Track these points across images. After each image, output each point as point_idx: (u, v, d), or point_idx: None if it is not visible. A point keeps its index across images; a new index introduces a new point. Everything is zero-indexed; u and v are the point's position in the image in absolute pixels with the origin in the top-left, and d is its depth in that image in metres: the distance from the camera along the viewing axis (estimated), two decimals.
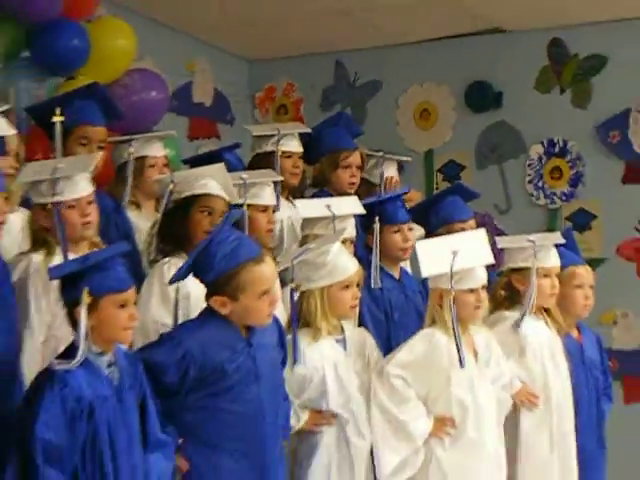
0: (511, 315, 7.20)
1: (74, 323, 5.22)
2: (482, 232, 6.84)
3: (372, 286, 7.14)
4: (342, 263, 6.43)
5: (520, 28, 11.45)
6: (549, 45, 11.49)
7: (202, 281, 5.79)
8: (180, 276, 5.84)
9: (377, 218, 7.25)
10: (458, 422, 6.49)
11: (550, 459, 7.15)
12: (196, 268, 5.78)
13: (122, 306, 5.27)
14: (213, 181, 6.67)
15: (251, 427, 5.78)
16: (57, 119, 6.89)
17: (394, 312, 7.26)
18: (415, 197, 7.71)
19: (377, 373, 6.49)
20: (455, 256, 6.37)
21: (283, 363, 6.16)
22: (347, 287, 6.42)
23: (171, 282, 5.97)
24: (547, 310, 7.29)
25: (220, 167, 6.92)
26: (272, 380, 5.90)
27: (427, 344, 6.50)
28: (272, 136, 7.93)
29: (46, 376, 5.16)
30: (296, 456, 6.42)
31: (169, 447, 5.59)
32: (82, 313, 5.10)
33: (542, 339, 7.21)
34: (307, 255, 6.38)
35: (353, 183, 8.08)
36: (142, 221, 7.35)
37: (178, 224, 6.54)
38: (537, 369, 7.15)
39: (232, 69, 12.61)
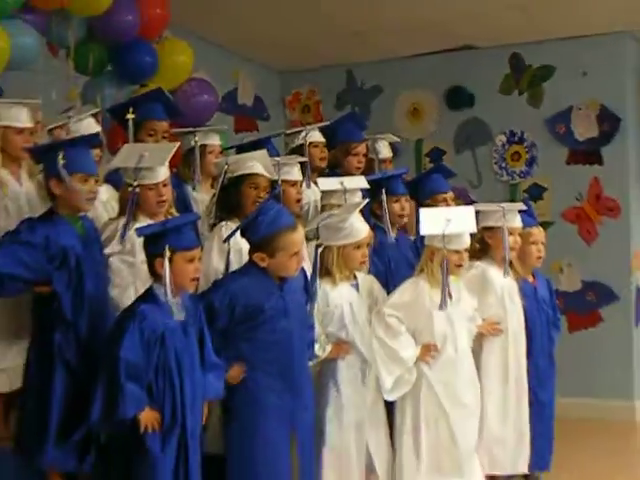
0: (481, 264, 7.36)
1: (153, 272, 5.52)
2: (471, 208, 6.98)
3: (388, 242, 7.31)
4: (357, 228, 6.55)
5: (487, 45, 11.58)
6: (510, 58, 11.65)
7: (248, 240, 6.02)
8: (233, 235, 6.10)
9: (384, 190, 7.38)
10: (440, 347, 6.60)
11: (507, 377, 7.27)
12: (245, 230, 6.01)
13: (190, 261, 5.52)
14: (258, 163, 6.80)
15: (283, 352, 5.96)
16: (130, 116, 7.14)
17: (391, 263, 7.36)
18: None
19: (375, 313, 6.61)
20: (448, 223, 6.56)
21: (306, 303, 6.26)
22: (359, 247, 6.55)
23: (225, 240, 6.19)
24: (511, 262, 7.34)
25: (263, 153, 7.04)
26: (299, 316, 6.09)
27: (414, 290, 6.65)
28: (301, 132, 8.09)
29: (129, 312, 5.44)
30: (321, 376, 6.52)
31: (220, 370, 5.74)
32: (165, 264, 5.38)
33: (502, 283, 7.33)
34: (331, 220, 6.54)
35: (359, 167, 8.17)
36: (199, 195, 7.51)
37: (232, 197, 6.71)
38: (498, 306, 7.31)
39: (267, 78, 12.67)
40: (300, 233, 6.06)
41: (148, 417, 5.35)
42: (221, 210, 6.75)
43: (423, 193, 7.91)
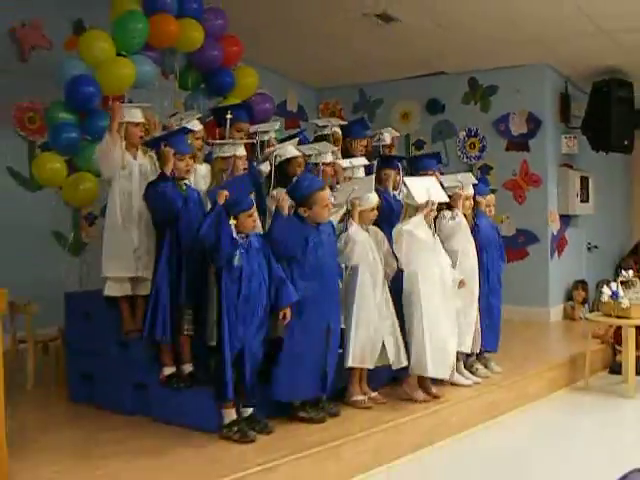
0: (449, 213, 7.12)
1: None
2: (434, 178, 6.95)
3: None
4: (371, 198, 6.56)
5: (454, 72, 11.43)
6: (469, 80, 11.47)
7: (294, 199, 6.03)
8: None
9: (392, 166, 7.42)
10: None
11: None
12: (291, 193, 6.04)
13: (250, 216, 5.54)
14: (294, 147, 6.92)
15: (320, 271, 5.97)
16: (229, 116, 6.99)
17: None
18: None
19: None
20: (429, 190, 6.56)
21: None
22: (372, 210, 6.56)
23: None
24: (466, 214, 7.25)
25: (295, 141, 7.24)
26: (330, 248, 6.12)
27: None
28: (327, 126, 7.98)
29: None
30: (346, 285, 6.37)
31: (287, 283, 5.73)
32: (231, 222, 5.47)
33: (463, 226, 7.16)
34: (358, 193, 6.49)
35: (362, 152, 7.89)
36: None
37: (284, 173, 6.69)
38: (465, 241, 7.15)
39: (307, 93, 12.56)
40: (327, 192, 6.12)
41: None
42: (278, 182, 6.66)
43: (418, 168, 7.62)
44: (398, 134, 8.92)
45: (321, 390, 6.04)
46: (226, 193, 5.55)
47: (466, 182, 7.31)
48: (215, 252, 5.45)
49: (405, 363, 6.48)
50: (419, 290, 6.50)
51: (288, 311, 5.73)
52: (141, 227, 6.32)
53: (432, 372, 6.49)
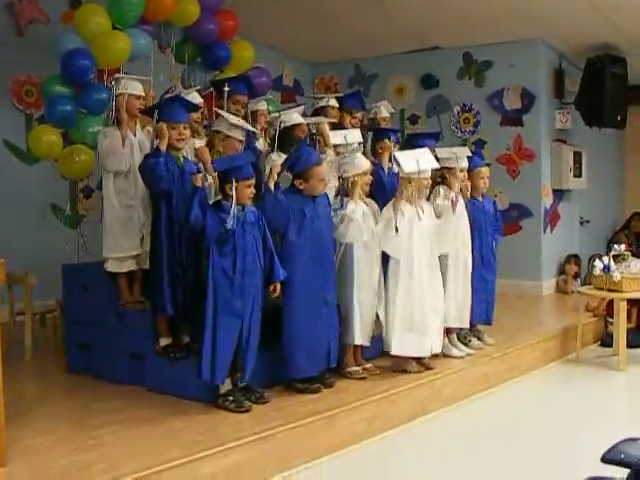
0: (442, 188, 7.08)
1: (224, 194, 5.52)
2: (427, 150, 6.78)
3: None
4: (363, 163, 6.52)
5: (448, 46, 11.37)
6: (463, 55, 11.44)
7: (291, 171, 6.07)
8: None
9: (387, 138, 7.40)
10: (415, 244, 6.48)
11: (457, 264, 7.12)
12: (289, 165, 6.07)
13: (248, 186, 5.49)
14: (299, 115, 7.02)
15: (318, 243, 5.99)
16: (226, 89, 7.00)
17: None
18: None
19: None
20: (419, 161, 6.44)
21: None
22: (365, 174, 6.51)
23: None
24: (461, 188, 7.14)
25: (301, 109, 7.37)
26: (326, 220, 6.13)
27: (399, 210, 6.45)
28: (323, 98, 8.05)
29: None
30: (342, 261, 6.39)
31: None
32: (233, 189, 5.43)
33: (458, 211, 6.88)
34: (346, 159, 6.50)
35: (355, 126, 7.78)
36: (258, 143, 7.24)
37: (284, 138, 6.78)
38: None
39: (303, 68, 12.50)
40: (324, 167, 6.13)
41: None
42: (279, 149, 6.73)
43: (415, 146, 7.40)
44: (393, 110, 8.87)
45: (326, 363, 6.09)
46: (201, 176, 5.58)
47: (461, 155, 7.26)
48: (205, 235, 5.44)
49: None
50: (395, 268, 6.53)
51: (278, 285, 5.74)
52: (144, 203, 6.37)
53: (397, 349, 6.50)
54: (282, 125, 6.81)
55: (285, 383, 5.98)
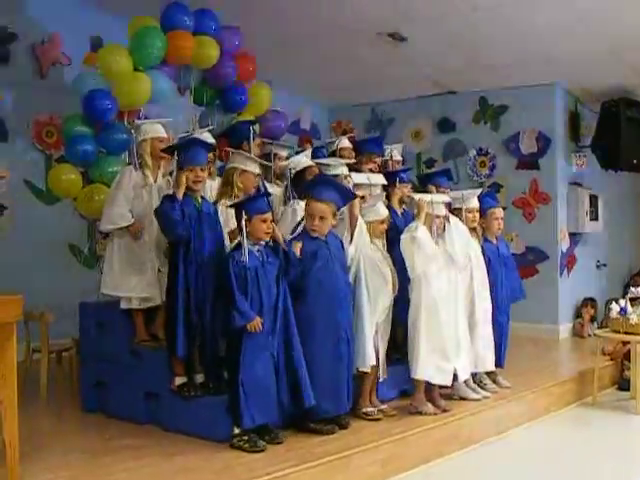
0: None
1: (240, 229, 5.51)
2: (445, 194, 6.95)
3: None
4: (382, 210, 6.54)
5: (464, 90, 11.46)
6: (479, 100, 11.53)
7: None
8: None
9: (397, 180, 7.36)
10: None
11: (473, 308, 7.09)
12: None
13: (263, 221, 5.50)
14: (308, 158, 6.95)
15: (330, 282, 5.94)
16: (255, 126, 7.25)
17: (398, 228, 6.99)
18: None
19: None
20: (432, 198, 6.59)
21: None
22: (382, 222, 6.52)
23: None
24: (474, 229, 7.27)
25: (308, 152, 7.33)
26: (340, 260, 6.07)
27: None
28: (334, 141, 8.10)
29: (230, 255, 5.53)
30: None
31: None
32: (243, 222, 5.48)
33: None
34: (366, 205, 6.52)
35: (373, 172, 7.76)
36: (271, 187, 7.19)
37: (297, 184, 6.73)
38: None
39: (320, 111, 12.61)
40: (322, 205, 6.00)
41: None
42: (294, 192, 6.74)
43: (429, 185, 7.63)
44: (402, 153, 8.83)
45: (342, 407, 6.03)
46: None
47: (468, 195, 7.30)
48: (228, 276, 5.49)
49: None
50: (422, 296, 6.54)
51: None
52: (159, 245, 6.41)
53: (426, 376, 6.51)
54: (292, 172, 6.78)
55: (300, 423, 5.91)
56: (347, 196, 6.23)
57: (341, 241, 6.26)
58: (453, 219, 6.89)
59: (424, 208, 6.59)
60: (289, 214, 6.60)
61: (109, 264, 6.54)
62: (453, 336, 6.62)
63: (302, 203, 6.40)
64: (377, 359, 6.33)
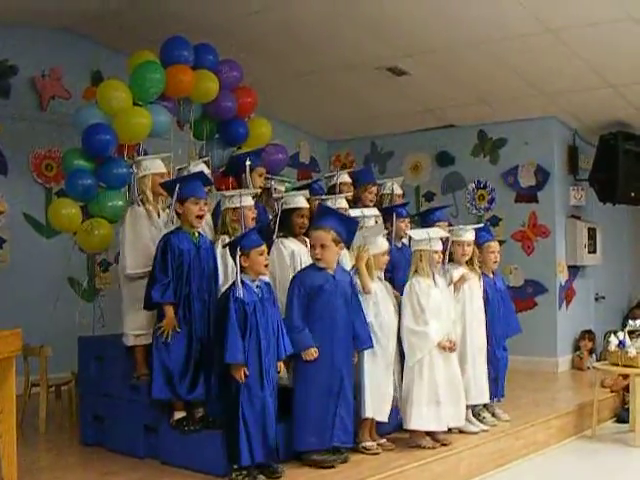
0: (451, 267, 7.16)
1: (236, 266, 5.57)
2: (438, 229, 6.98)
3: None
4: (382, 243, 6.59)
5: (463, 124, 11.49)
6: (478, 133, 11.56)
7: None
8: None
9: (394, 214, 7.41)
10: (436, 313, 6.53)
11: (465, 342, 7.11)
12: None
13: (261, 254, 5.53)
14: (303, 199, 6.87)
15: (331, 317, 5.98)
16: (248, 163, 7.15)
17: (395, 263, 7.15)
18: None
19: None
20: (430, 234, 6.61)
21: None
22: (384, 254, 6.56)
23: None
24: (469, 261, 7.31)
25: (306, 192, 7.16)
26: (344, 296, 6.09)
27: (417, 286, 6.54)
28: (334, 176, 8.12)
29: (227, 292, 5.49)
30: None
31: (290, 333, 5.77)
32: (237, 260, 5.53)
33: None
34: (367, 238, 6.52)
35: (372, 201, 8.03)
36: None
37: (282, 220, 6.73)
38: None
39: (319, 145, 12.65)
40: (318, 233, 6.09)
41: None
42: (280, 230, 6.70)
43: (428, 220, 7.69)
44: (401, 187, 8.87)
45: (340, 439, 6.03)
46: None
47: (465, 228, 7.33)
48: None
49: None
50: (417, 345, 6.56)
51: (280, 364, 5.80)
52: None
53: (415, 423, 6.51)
54: (283, 206, 6.79)
55: (300, 457, 5.93)
56: (349, 224, 6.35)
57: (351, 277, 6.31)
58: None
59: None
60: (274, 251, 6.53)
61: (128, 302, 6.50)
62: (447, 381, 6.62)
63: (286, 242, 6.52)
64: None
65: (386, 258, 6.64)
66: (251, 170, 7.24)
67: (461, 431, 6.99)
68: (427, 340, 6.46)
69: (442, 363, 6.57)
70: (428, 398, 6.47)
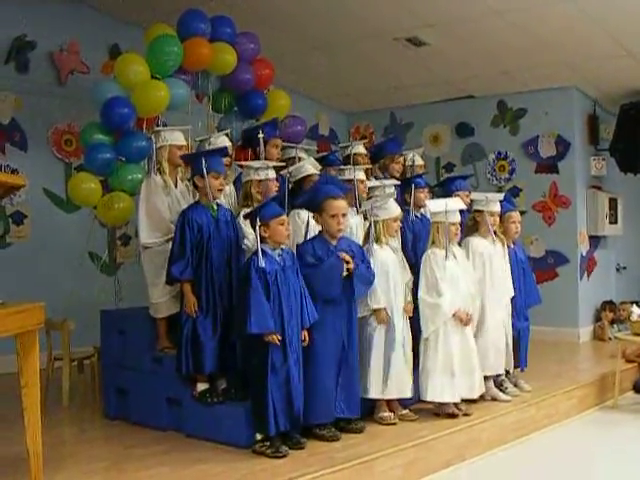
0: (471, 239, 7.20)
1: (256, 237, 5.55)
2: (458, 199, 6.90)
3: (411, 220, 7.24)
4: (394, 208, 6.51)
5: (482, 94, 11.43)
6: (497, 103, 11.48)
7: (310, 208, 6.17)
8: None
9: (413, 185, 7.32)
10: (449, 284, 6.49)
11: (484, 313, 7.07)
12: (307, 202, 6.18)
13: (281, 224, 5.53)
14: (310, 166, 6.98)
15: (335, 273, 5.91)
16: (260, 135, 7.14)
17: (417, 233, 7.21)
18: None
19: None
20: (447, 205, 6.54)
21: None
22: (395, 220, 6.52)
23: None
24: (495, 232, 7.25)
25: (312, 160, 7.37)
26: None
27: (433, 257, 6.52)
28: (348, 146, 8.10)
29: (249, 262, 5.48)
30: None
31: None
32: (257, 229, 5.52)
33: (487, 248, 7.18)
34: (378, 203, 6.48)
35: (399, 171, 8.05)
36: None
37: (296, 191, 6.82)
38: (480, 264, 7.14)
39: (339, 117, 12.60)
40: (341, 202, 6.00)
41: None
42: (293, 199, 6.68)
43: (449, 190, 7.66)
44: (423, 157, 8.84)
45: (344, 410, 6.01)
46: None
47: (492, 198, 7.32)
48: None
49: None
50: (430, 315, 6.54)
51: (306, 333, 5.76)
52: None
53: (432, 397, 6.53)
54: (292, 179, 6.84)
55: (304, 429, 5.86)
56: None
57: (358, 245, 6.27)
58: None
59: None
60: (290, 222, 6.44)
61: (151, 273, 6.50)
62: (462, 353, 6.60)
63: (301, 213, 6.47)
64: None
65: (397, 224, 6.60)
66: (266, 142, 7.24)
67: (493, 399, 7.09)
68: (439, 312, 6.44)
69: (457, 335, 6.55)
70: (443, 370, 6.47)
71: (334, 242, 6.00)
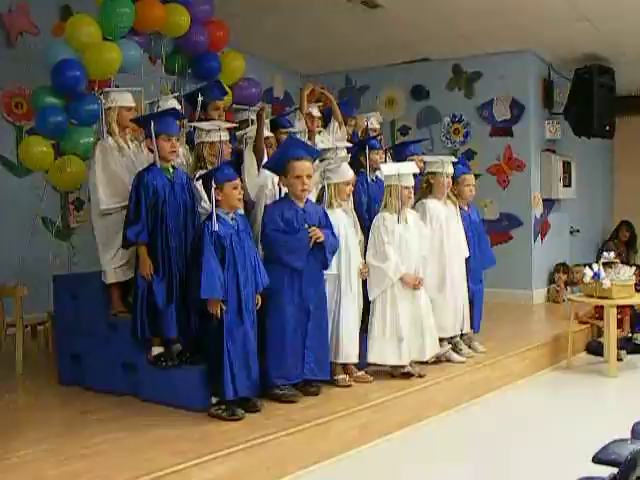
0: (427, 201, 7.25)
1: (210, 199, 5.53)
2: (412, 163, 6.85)
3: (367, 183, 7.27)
4: (347, 172, 6.50)
5: (438, 57, 11.43)
6: (453, 67, 11.51)
7: (275, 171, 6.17)
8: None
9: (368, 147, 7.31)
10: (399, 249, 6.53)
11: (444, 275, 7.18)
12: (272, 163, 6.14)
13: (234, 188, 5.51)
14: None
15: (303, 245, 5.91)
16: (199, 99, 7.03)
17: (372, 196, 7.23)
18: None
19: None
20: (399, 169, 6.56)
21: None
22: (347, 184, 6.51)
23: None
24: (449, 195, 7.32)
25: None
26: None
27: (382, 221, 6.53)
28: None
29: (202, 226, 5.45)
30: None
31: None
32: (213, 193, 5.48)
33: (442, 211, 7.24)
34: (331, 166, 6.48)
35: (350, 134, 8.10)
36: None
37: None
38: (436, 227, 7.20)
39: (293, 79, 12.44)
40: (305, 163, 5.98)
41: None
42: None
43: (402, 154, 7.65)
44: (382, 121, 8.88)
45: (307, 372, 6.05)
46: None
47: (446, 160, 7.35)
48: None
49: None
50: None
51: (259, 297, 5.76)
52: None
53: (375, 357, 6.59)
54: (248, 141, 6.78)
55: (265, 390, 5.91)
56: (316, 155, 6.42)
57: (324, 212, 6.25)
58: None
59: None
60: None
61: (102, 237, 6.43)
62: (411, 316, 6.62)
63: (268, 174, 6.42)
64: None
65: (350, 188, 6.59)
66: (206, 104, 7.14)
67: (447, 360, 7.17)
68: (384, 276, 6.47)
69: (406, 299, 6.56)
70: (390, 333, 6.50)
71: (301, 204, 6.00)
